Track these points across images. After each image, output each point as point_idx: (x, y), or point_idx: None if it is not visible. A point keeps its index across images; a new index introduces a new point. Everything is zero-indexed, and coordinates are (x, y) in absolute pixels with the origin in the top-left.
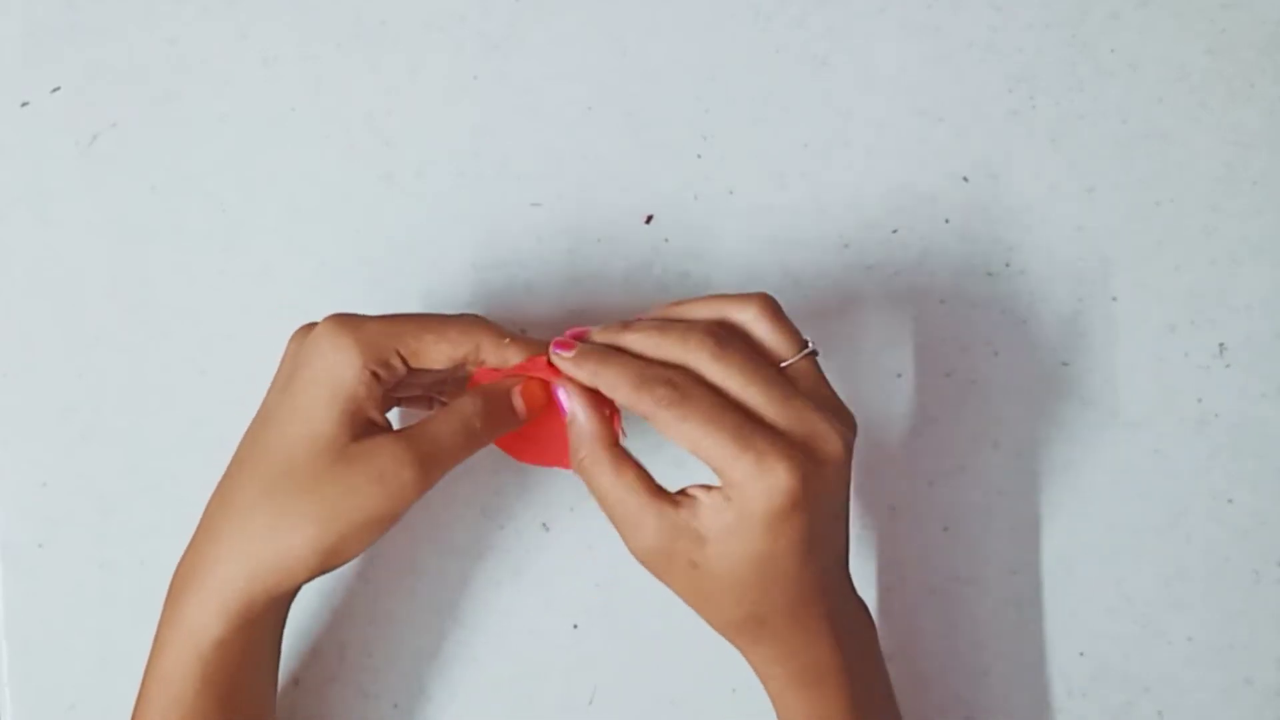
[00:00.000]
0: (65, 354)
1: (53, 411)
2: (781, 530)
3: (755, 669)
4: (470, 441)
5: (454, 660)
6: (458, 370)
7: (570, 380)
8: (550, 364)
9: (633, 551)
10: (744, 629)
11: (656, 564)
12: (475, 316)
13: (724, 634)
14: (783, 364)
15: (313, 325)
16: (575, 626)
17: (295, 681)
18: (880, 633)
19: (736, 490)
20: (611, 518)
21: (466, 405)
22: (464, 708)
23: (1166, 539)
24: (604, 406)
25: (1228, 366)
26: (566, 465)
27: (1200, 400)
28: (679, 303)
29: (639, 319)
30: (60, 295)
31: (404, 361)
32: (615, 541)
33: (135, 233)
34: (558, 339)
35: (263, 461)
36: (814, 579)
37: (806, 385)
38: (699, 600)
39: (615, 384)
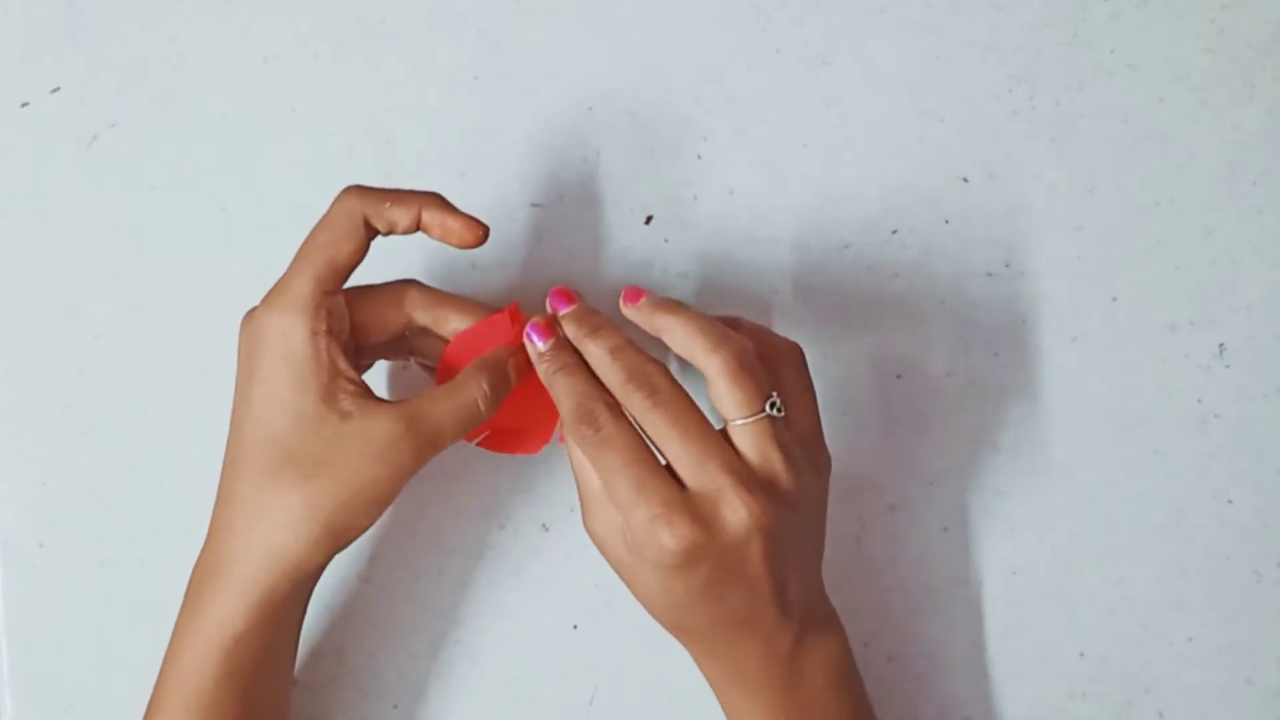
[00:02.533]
0: (65, 353)
1: (53, 411)
2: (674, 578)
3: (693, 660)
4: (471, 419)
5: (454, 660)
6: (406, 332)
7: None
8: (498, 325)
9: (584, 526)
10: (671, 630)
11: (597, 545)
12: (407, 280)
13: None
14: (729, 423)
15: (255, 310)
16: (575, 626)
17: (295, 682)
18: (880, 633)
19: (631, 535)
20: (577, 488)
21: (472, 385)
22: (464, 708)
23: (1166, 539)
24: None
25: (1228, 367)
26: (528, 450)
27: (1200, 400)
28: (666, 307)
29: (636, 293)
30: (60, 295)
31: (349, 324)
32: None
33: (135, 233)
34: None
35: (257, 451)
36: (731, 613)
37: (750, 447)
38: (632, 591)
39: (556, 400)
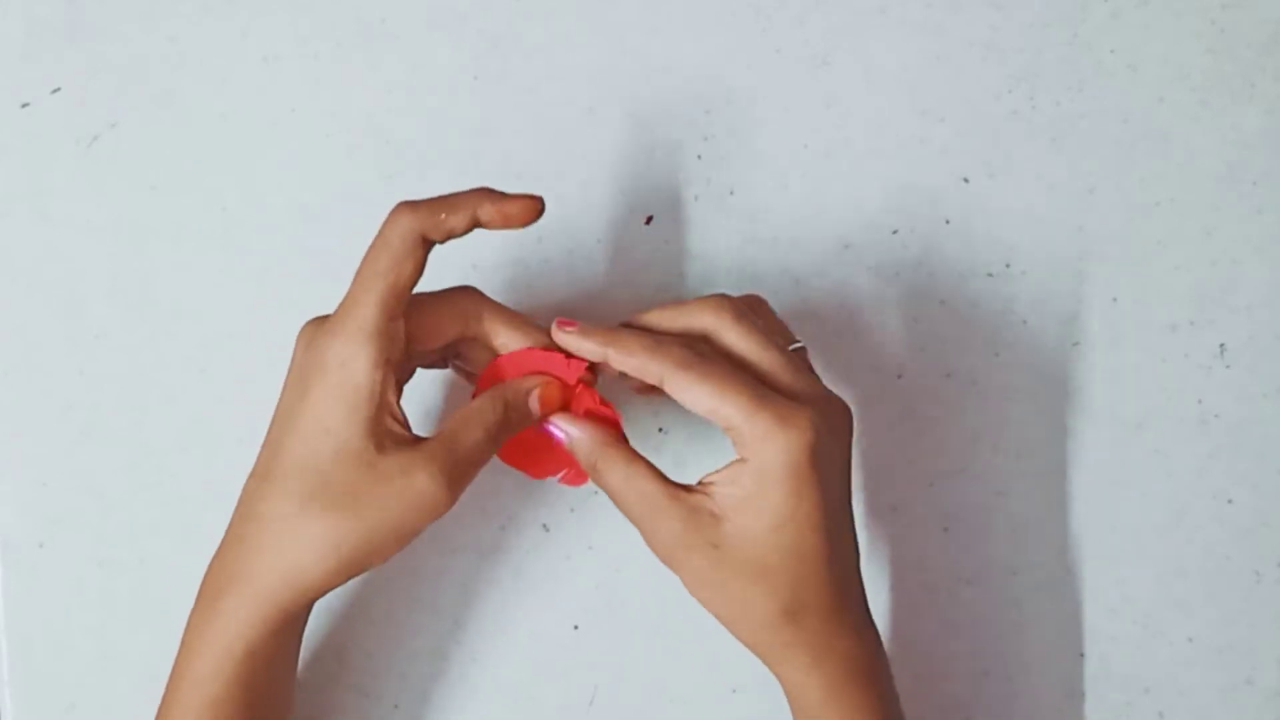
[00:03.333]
0: (65, 353)
1: (53, 411)
2: (802, 491)
3: (789, 687)
4: (491, 449)
5: (454, 661)
6: (458, 343)
7: (574, 405)
8: (552, 358)
9: (658, 549)
10: (779, 628)
11: (680, 555)
12: (467, 288)
13: (758, 644)
14: (790, 346)
15: (321, 319)
16: (575, 627)
17: (295, 682)
18: (880, 632)
19: (755, 448)
20: (630, 515)
21: (488, 411)
22: (464, 708)
23: (1166, 539)
24: (602, 415)
25: (1228, 367)
26: (550, 474)
27: (1200, 400)
28: (676, 304)
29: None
30: (60, 295)
31: (404, 338)
32: (615, 541)
33: (135, 233)
34: (560, 318)
35: (293, 474)
36: (841, 560)
37: (808, 371)
38: (729, 599)
39: (630, 349)
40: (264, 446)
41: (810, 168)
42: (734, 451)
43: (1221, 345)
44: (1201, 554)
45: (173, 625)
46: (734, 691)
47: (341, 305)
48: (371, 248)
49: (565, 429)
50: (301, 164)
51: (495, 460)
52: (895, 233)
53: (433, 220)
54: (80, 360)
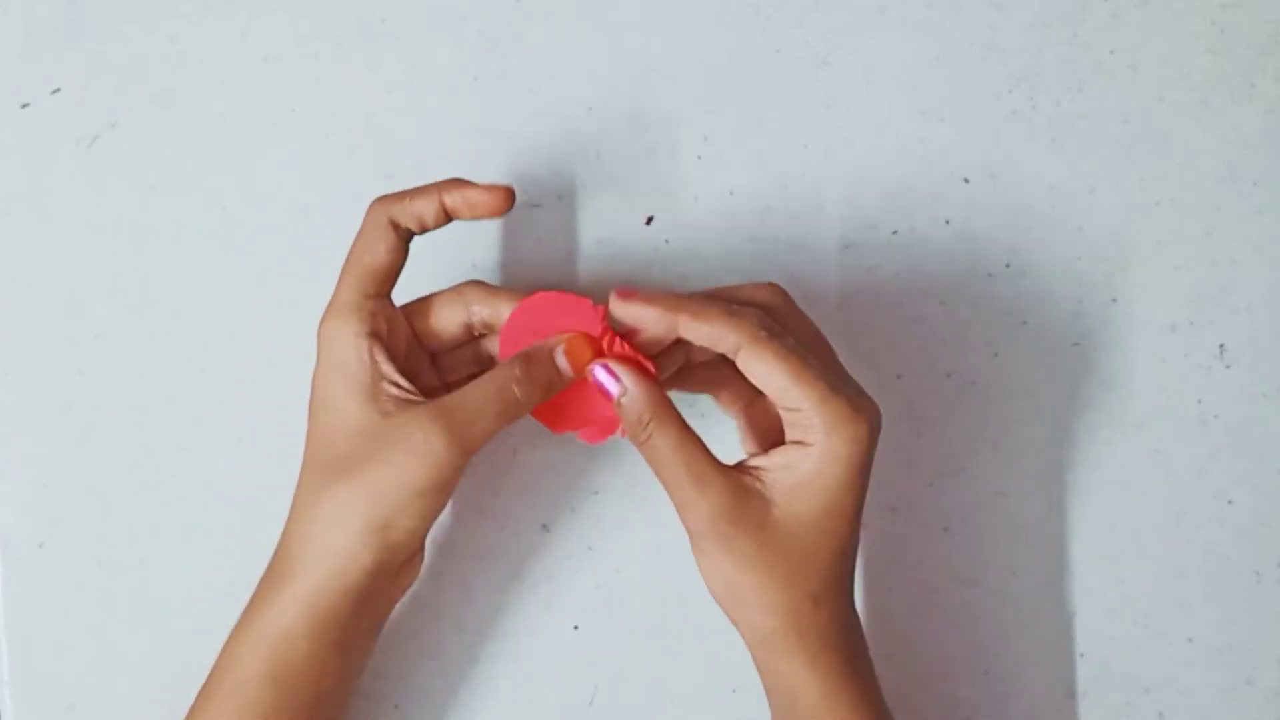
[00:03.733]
0: (65, 353)
1: (53, 411)
2: (857, 484)
3: (785, 687)
4: (509, 408)
5: (454, 661)
6: (471, 340)
7: (611, 355)
8: (569, 301)
9: (696, 519)
10: (795, 617)
11: (721, 529)
12: (468, 281)
13: (764, 635)
14: None
15: None
16: (575, 627)
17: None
18: (880, 633)
19: (824, 434)
20: (673, 482)
21: (503, 371)
22: (464, 708)
23: (1166, 539)
24: (650, 375)
25: (1228, 367)
26: (599, 438)
27: (1200, 401)
28: (728, 286)
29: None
30: (60, 295)
31: (410, 330)
32: (615, 542)
33: (135, 233)
34: (619, 288)
35: (313, 457)
36: (854, 561)
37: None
38: (755, 580)
39: (705, 315)
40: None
41: (810, 168)
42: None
43: (1221, 345)
44: (1201, 554)
45: (173, 625)
46: (734, 691)
47: (352, 295)
48: (352, 242)
49: (621, 381)
50: (301, 164)
51: (495, 460)
52: (895, 233)
53: (400, 207)
54: (80, 360)
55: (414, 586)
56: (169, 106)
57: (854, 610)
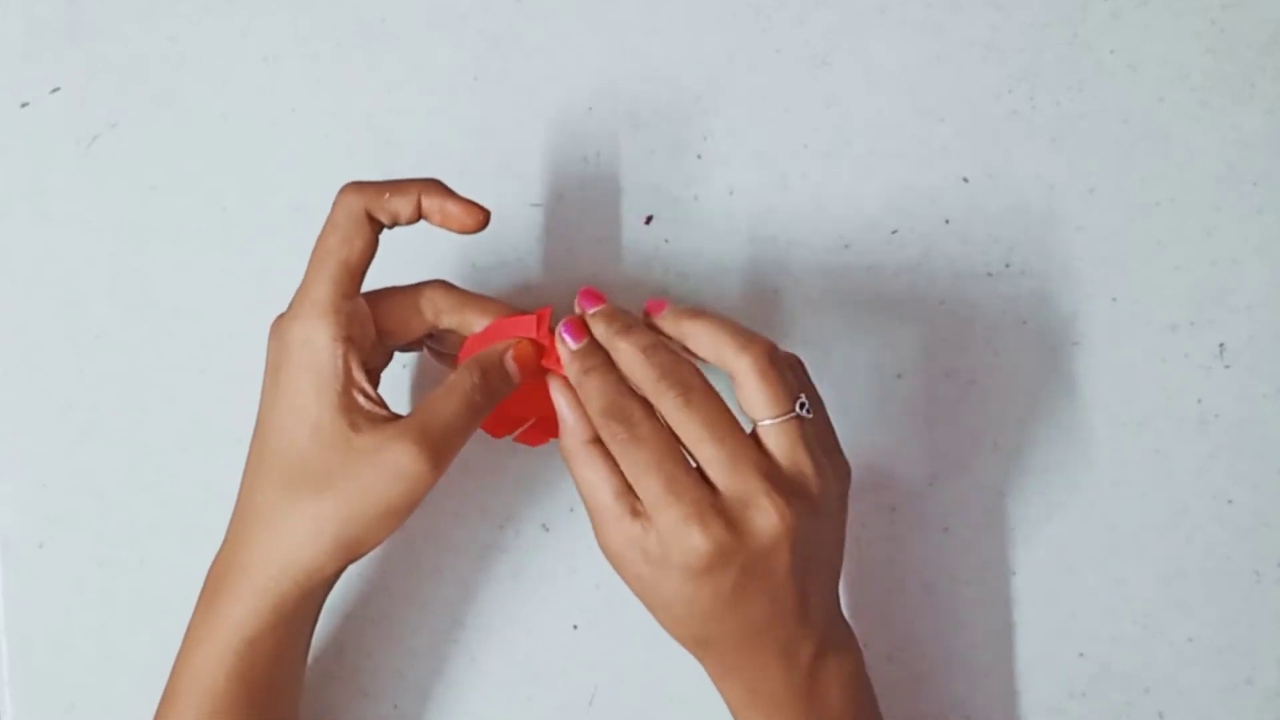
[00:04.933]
0: (65, 353)
1: (53, 411)
2: (701, 582)
3: (710, 679)
4: (475, 416)
5: (454, 660)
6: (432, 332)
7: (555, 379)
8: (519, 322)
9: (598, 543)
10: (689, 645)
11: (612, 561)
12: (435, 280)
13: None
14: (758, 424)
15: (285, 314)
16: (575, 627)
17: (303, 679)
18: (880, 633)
19: (659, 536)
20: (585, 507)
21: (465, 380)
22: (464, 708)
23: (1166, 539)
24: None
25: (1228, 367)
26: (539, 438)
27: (1200, 400)
28: (691, 314)
29: (657, 304)
30: (60, 295)
31: (374, 327)
32: None
33: (135, 233)
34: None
35: (276, 463)
36: (754, 621)
37: (780, 448)
38: (649, 607)
39: (586, 399)
40: (251, 441)
41: (810, 168)
42: None
43: (1221, 345)
44: (1201, 554)
45: (173, 625)
46: None
47: (298, 289)
48: (322, 229)
49: (561, 401)
50: (301, 164)
51: (495, 460)
52: (895, 233)
53: (377, 199)
54: (80, 360)
55: (415, 586)
56: (169, 106)
57: (781, 648)
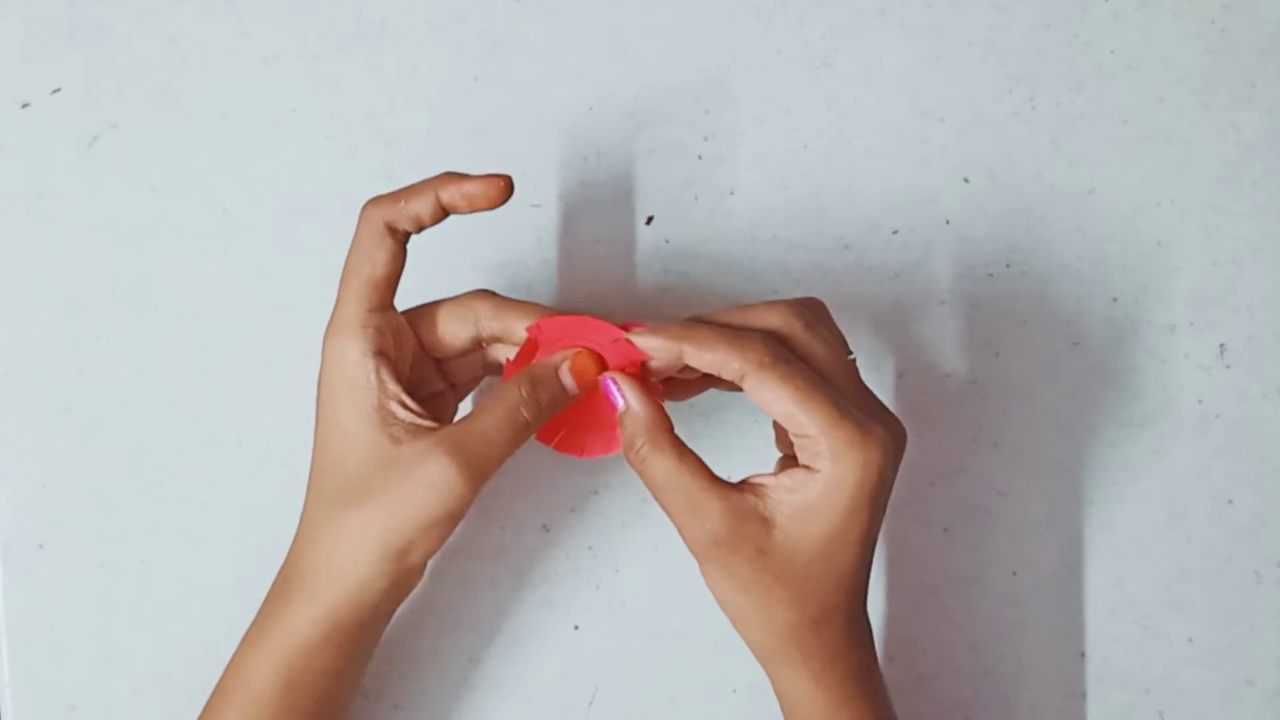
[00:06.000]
0: (65, 354)
1: (53, 411)
2: (863, 511)
3: (792, 694)
4: (520, 431)
5: (455, 661)
6: (478, 349)
7: (621, 369)
8: (591, 324)
9: (693, 544)
10: (801, 636)
11: (718, 555)
12: (478, 290)
13: (772, 649)
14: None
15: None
16: (575, 627)
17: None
18: (880, 633)
19: (830, 460)
20: (669, 507)
21: (511, 393)
22: (464, 709)
23: (1167, 539)
24: (654, 397)
25: (1228, 367)
26: (602, 452)
27: (1200, 401)
28: (742, 306)
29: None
30: (60, 295)
31: (415, 338)
32: (615, 542)
33: (135, 233)
34: (625, 323)
35: (323, 479)
36: (863, 580)
37: (866, 387)
38: (755, 601)
39: (708, 343)
40: (311, 459)
41: (810, 168)
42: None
43: (1221, 345)
44: (1201, 554)
45: (173, 626)
46: (734, 691)
47: (332, 311)
48: (349, 250)
49: (624, 397)
50: (301, 164)
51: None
52: (895, 233)
53: (395, 208)
54: (80, 360)
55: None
56: (169, 106)
57: (865, 626)
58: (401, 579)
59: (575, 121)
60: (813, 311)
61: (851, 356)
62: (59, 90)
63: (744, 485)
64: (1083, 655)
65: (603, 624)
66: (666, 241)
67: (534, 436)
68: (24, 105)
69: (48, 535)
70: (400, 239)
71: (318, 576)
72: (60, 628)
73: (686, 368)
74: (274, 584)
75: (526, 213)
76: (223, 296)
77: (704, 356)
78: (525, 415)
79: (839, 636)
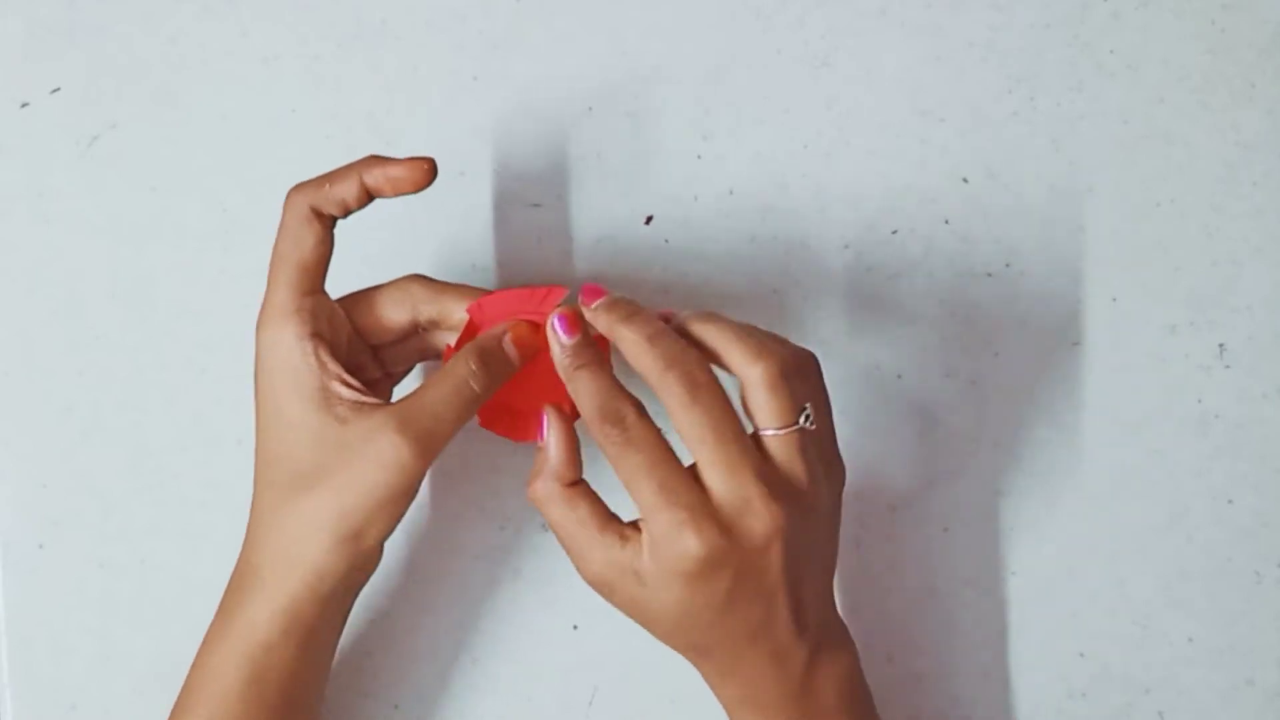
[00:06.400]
0: (65, 354)
1: (53, 411)
2: (696, 588)
3: (706, 682)
4: (468, 404)
5: (454, 661)
6: (416, 334)
7: (552, 410)
8: (529, 294)
9: (581, 576)
10: (685, 652)
11: (602, 592)
12: (411, 275)
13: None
14: (760, 431)
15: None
16: (575, 627)
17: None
18: (880, 633)
19: (652, 542)
20: (562, 546)
21: (460, 367)
22: (464, 708)
23: (1166, 539)
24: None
25: (1228, 367)
26: (529, 437)
27: (1200, 401)
28: (705, 317)
29: (662, 313)
30: (60, 295)
31: (349, 324)
32: None
33: (135, 233)
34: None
35: (274, 466)
36: (749, 624)
37: (779, 455)
38: (643, 624)
39: (577, 396)
40: (254, 449)
41: (810, 168)
42: None
43: (1221, 345)
44: (1201, 554)
45: (173, 625)
46: None
47: (263, 300)
48: (276, 237)
49: (548, 433)
50: (301, 164)
51: (495, 460)
52: (895, 233)
53: (319, 193)
54: (80, 360)
55: (415, 587)
56: (169, 106)
57: (779, 648)
58: (359, 562)
59: (575, 121)
60: (794, 366)
61: (788, 429)
62: (59, 90)
63: (631, 532)
64: (1082, 655)
65: (603, 624)
66: (666, 241)
67: (492, 430)
68: (24, 105)
69: (48, 535)
70: (327, 223)
71: (275, 569)
72: (60, 628)
73: None
74: (230, 581)
75: (526, 213)
76: (223, 296)
77: (629, 358)
78: (474, 387)
79: (729, 657)
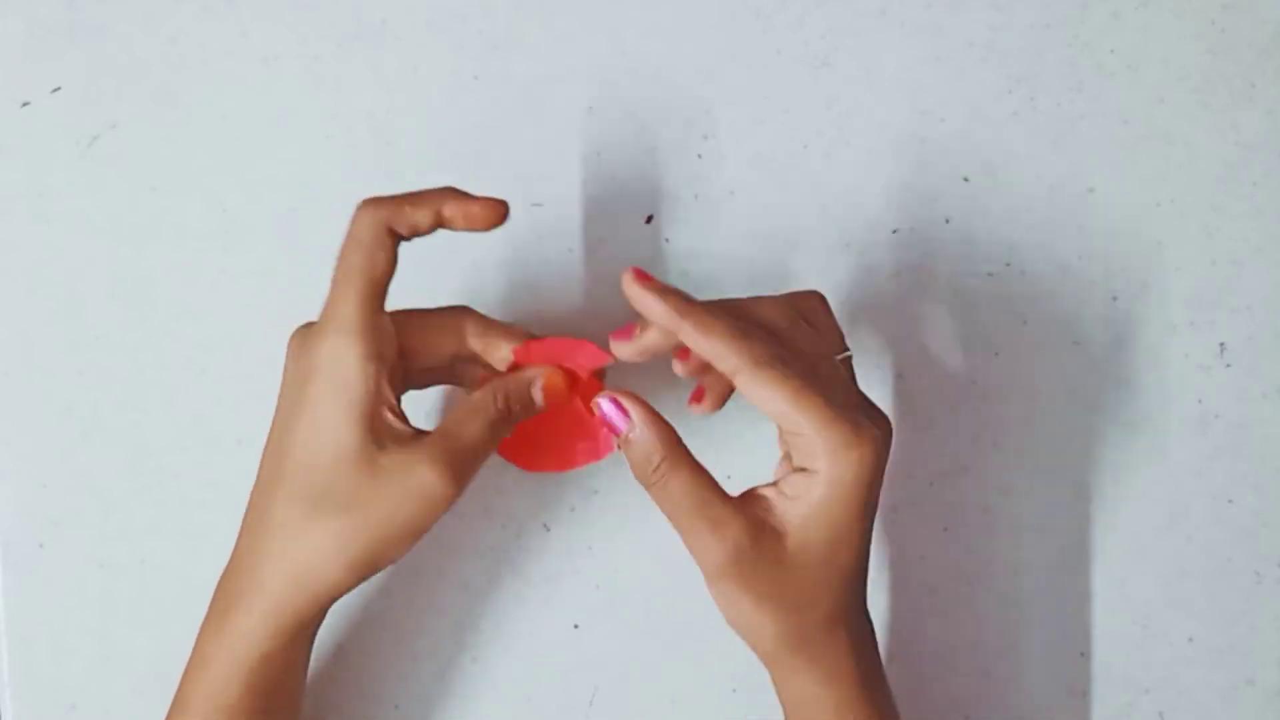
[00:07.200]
0: (65, 354)
1: (53, 411)
2: (865, 509)
3: (799, 699)
4: (495, 441)
5: (455, 661)
6: (452, 363)
7: (621, 392)
8: (576, 347)
9: (710, 561)
10: (809, 642)
11: (738, 570)
12: (462, 306)
13: (779, 658)
14: (838, 356)
15: (310, 325)
16: (575, 626)
17: (305, 685)
18: (880, 633)
19: (827, 461)
20: (687, 525)
21: (489, 403)
22: (464, 708)
23: (1167, 539)
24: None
25: (1228, 367)
26: (562, 468)
27: (1200, 401)
28: (739, 300)
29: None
30: (60, 295)
31: (398, 345)
32: (615, 541)
33: (135, 233)
34: (637, 269)
35: (296, 480)
36: (864, 577)
37: (855, 385)
38: (772, 612)
39: (711, 330)
40: (265, 455)
41: (810, 168)
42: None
43: (1221, 345)
44: (1201, 554)
45: (173, 626)
46: (734, 691)
47: (325, 307)
48: (343, 246)
49: (630, 416)
50: (301, 164)
51: (496, 460)
52: (895, 233)
53: (398, 213)
54: (80, 360)
55: (414, 586)
56: (169, 106)
57: (867, 622)
58: (367, 578)
59: (575, 121)
60: (810, 305)
61: (847, 354)
62: (59, 90)
63: (749, 499)
64: (1083, 655)
65: (603, 624)
66: (666, 241)
67: (507, 459)
68: (24, 105)
69: (48, 535)
70: (397, 242)
71: (283, 584)
72: (60, 628)
73: (680, 351)
74: (223, 588)
75: (526, 213)
76: (223, 296)
77: (701, 342)
78: (498, 427)
79: (848, 636)
